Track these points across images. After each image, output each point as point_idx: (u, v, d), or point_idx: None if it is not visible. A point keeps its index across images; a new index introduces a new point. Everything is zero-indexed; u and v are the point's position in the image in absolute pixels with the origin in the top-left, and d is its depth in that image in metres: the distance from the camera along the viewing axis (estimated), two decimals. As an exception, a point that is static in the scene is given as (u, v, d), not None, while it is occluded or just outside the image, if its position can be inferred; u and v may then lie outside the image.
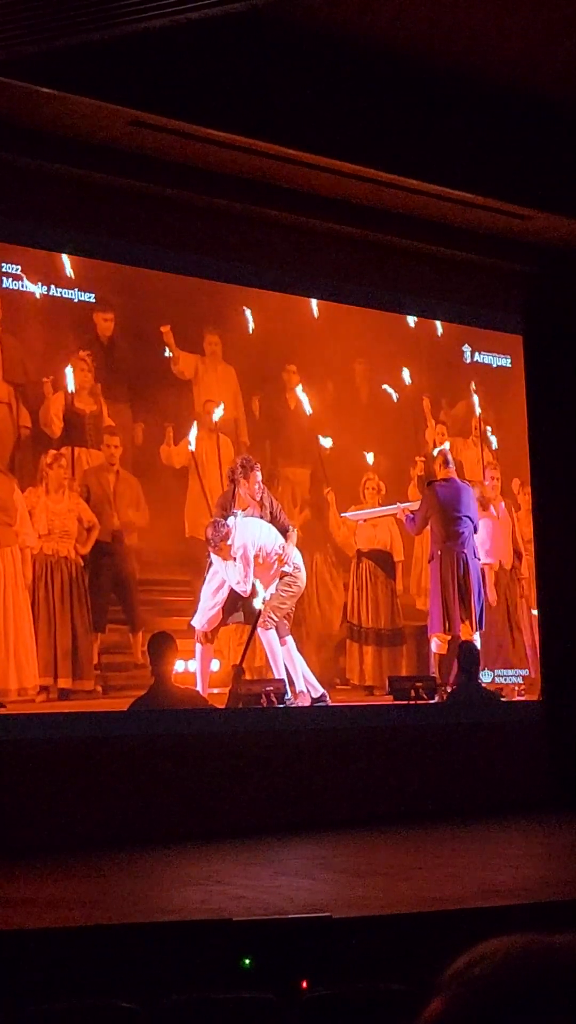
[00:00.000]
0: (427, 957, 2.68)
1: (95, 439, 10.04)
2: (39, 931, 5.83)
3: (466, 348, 12.10)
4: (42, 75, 8.38)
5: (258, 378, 10.94)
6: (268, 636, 10.43)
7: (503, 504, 12.10)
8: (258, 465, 10.47)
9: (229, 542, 10.20)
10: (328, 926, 5.64)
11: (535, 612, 12.08)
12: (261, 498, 10.45)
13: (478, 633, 11.53)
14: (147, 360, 10.38)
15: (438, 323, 11.94)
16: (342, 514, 11.19)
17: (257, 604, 10.37)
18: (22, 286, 9.73)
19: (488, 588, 11.82)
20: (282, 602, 10.48)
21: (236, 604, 10.39)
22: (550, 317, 12.12)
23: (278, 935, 5.51)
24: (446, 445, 11.67)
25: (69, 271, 9.95)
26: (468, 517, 11.49)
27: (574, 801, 10.81)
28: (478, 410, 12.10)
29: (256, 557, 10.33)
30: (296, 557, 10.57)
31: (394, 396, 11.59)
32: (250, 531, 10.31)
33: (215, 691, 10.27)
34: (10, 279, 9.68)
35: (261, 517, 10.43)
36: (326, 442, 11.17)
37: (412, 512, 11.38)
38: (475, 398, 12.10)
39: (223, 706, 10.21)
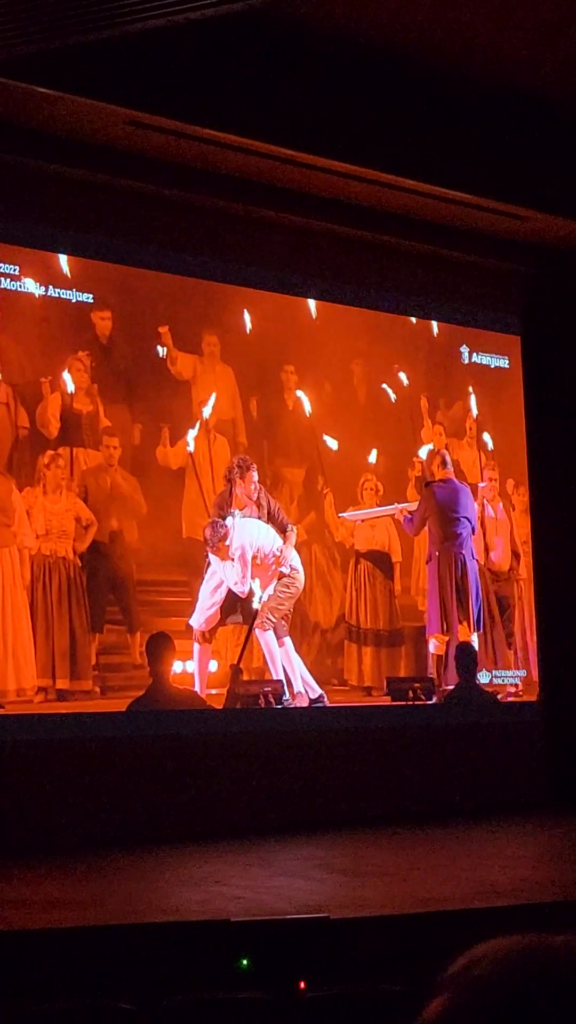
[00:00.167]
0: (425, 958, 2.68)
1: (92, 439, 10.04)
2: (37, 932, 5.83)
3: (464, 349, 12.10)
4: (39, 75, 8.38)
5: (256, 379, 10.94)
6: (266, 637, 10.43)
7: (501, 505, 12.10)
8: (254, 465, 10.47)
9: (227, 542, 10.21)
10: (326, 927, 5.64)
11: (533, 613, 12.08)
12: (258, 498, 10.45)
13: (476, 634, 11.53)
14: (145, 361, 10.38)
15: (436, 324, 11.94)
16: (340, 514, 11.19)
17: (255, 604, 10.37)
18: (20, 286, 9.72)
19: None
20: (280, 603, 10.48)
21: (235, 604, 10.39)
22: (548, 318, 12.13)
23: (276, 936, 5.51)
24: (425, 450, 11.61)
25: (67, 271, 9.95)
26: (466, 518, 11.49)
27: (572, 802, 10.82)
28: (475, 411, 12.10)
29: (254, 558, 10.33)
30: (294, 558, 10.57)
31: (392, 397, 11.59)
32: (248, 531, 10.31)
33: (213, 692, 10.27)
34: (8, 279, 9.67)
35: (259, 517, 10.43)
36: (332, 443, 11.18)
37: (410, 513, 11.37)
38: (471, 400, 12.09)
39: (221, 707, 10.20)
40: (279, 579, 10.48)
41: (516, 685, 11.98)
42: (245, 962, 5.29)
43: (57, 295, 9.90)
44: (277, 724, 10.28)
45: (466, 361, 12.12)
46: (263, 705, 10.22)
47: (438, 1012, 1.18)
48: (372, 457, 11.38)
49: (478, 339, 12.16)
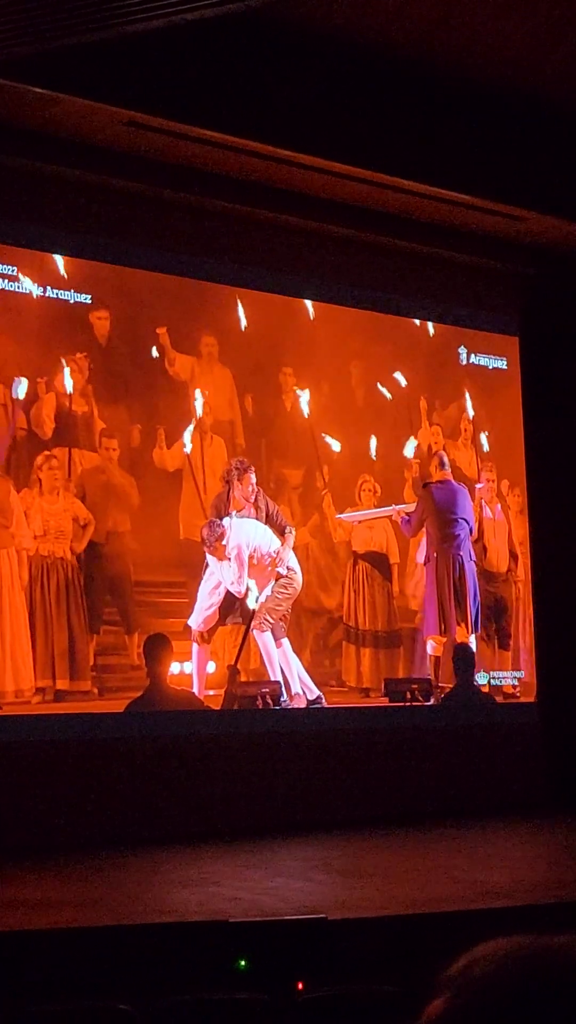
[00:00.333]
0: (423, 959, 2.68)
1: (87, 440, 10.03)
2: (35, 932, 5.83)
3: (462, 350, 12.10)
4: (37, 75, 8.37)
5: (254, 379, 10.94)
6: (264, 638, 10.43)
7: (499, 506, 12.10)
8: (252, 468, 10.46)
9: (224, 542, 10.21)
10: (324, 928, 5.64)
11: (531, 614, 12.09)
12: (256, 500, 10.45)
13: (474, 635, 11.53)
14: (144, 362, 10.37)
15: (434, 325, 11.93)
16: (337, 516, 11.20)
17: (252, 605, 10.37)
18: (18, 287, 9.72)
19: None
20: (278, 604, 10.48)
21: (233, 605, 10.39)
22: (546, 319, 12.13)
23: (274, 936, 5.51)
24: (411, 447, 11.60)
25: (64, 272, 9.94)
26: (464, 519, 11.49)
27: (570, 803, 10.82)
28: (471, 412, 12.10)
29: (251, 558, 10.33)
30: (292, 559, 10.57)
31: (388, 396, 11.59)
32: (245, 532, 10.32)
33: (211, 693, 10.27)
34: (6, 280, 9.67)
35: (257, 519, 10.44)
36: (335, 445, 11.19)
37: (408, 514, 11.37)
38: (467, 401, 12.09)
39: (219, 708, 10.20)
40: (276, 580, 10.48)
41: (514, 686, 11.98)
42: (243, 963, 5.29)
43: (55, 296, 9.90)
44: (275, 725, 10.28)
45: (464, 362, 12.12)
46: (261, 706, 10.22)
47: (438, 1012, 1.18)
48: (372, 451, 11.37)
49: (476, 340, 12.16)
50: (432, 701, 11.20)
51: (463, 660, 11.37)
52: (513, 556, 12.13)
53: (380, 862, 8.43)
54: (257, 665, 10.53)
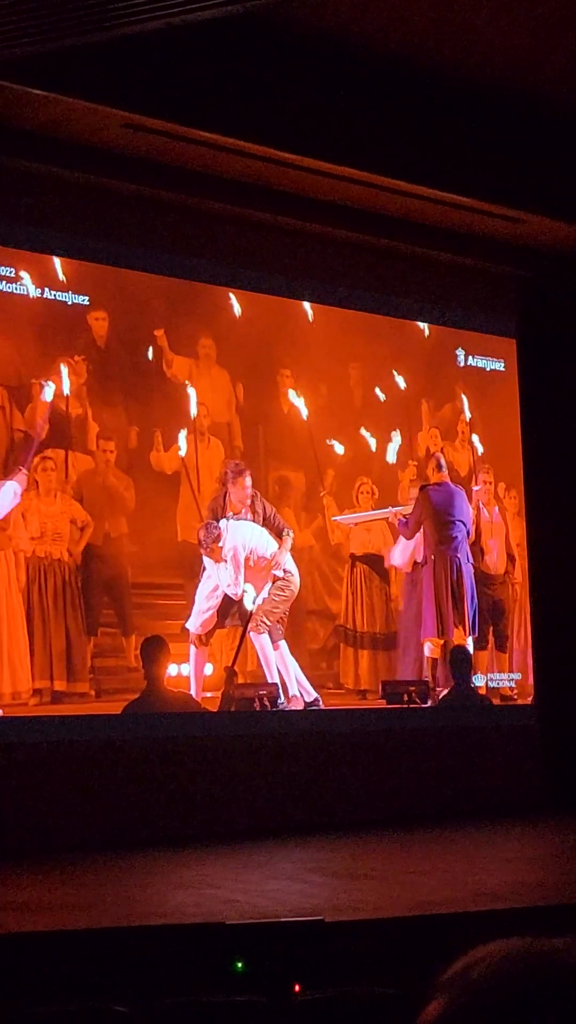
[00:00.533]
0: (420, 961, 2.68)
1: (82, 442, 10.02)
2: (32, 934, 5.82)
3: (460, 352, 12.10)
4: (35, 77, 8.37)
5: (252, 381, 10.93)
6: (261, 641, 10.43)
7: (496, 508, 12.10)
8: (248, 471, 10.45)
9: (220, 544, 10.21)
10: (321, 930, 5.63)
11: (528, 616, 12.09)
12: (252, 502, 10.44)
13: (471, 637, 11.52)
14: (141, 363, 10.37)
15: (432, 327, 11.94)
16: (334, 518, 11.19)
17: (250, 607, 10.37)
18: (16, 288, 9.72)
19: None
20: (275, 606, 10.47)
21: (231, 607, 10.39)
22: (544, 321, 12.13)
23: (271, 938, 5.51)
24: (392, 447, 11.57)
25: (62, 274, 9.93)
26: (461, 521, 11.49)
27: (567, 804, 10.82)
28: (468, 415, 12.09)
29: (247, 560, 10.33)
30: (289, 562, 10.56)
31: (382, 398, 11.58)
32: (241, 534, 10.31)
33: (208, 695, 10.27)
34: (3, 281, 9.67)
35: (254, 521, 10.43)
36: (339, 448, 11.20)
37: (405, 516, 11.37)
38: (464, 402, 12.08)
39: (216, 709, 10.20)
40: (273, 582, 10.47)
41: (511, 688, 11.98)
42: (240, 965, 5.28)
43: (53, 297, 9.90)
44: (272, 727, 10.28)
45: (462, 364, 12.12)
46: (258, 708, 10.22)
47: (436, 1015, 1.18)
48: (360, 452, 11.37)
49: (474, 342, 12.16)
50: (429, 703, 11.20)
51: (460, 662, 11.37)
52: (510, 558, 12.13)
53: (377, 864, 8.43)
54: (254, 667, 10.53)
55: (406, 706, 11.00)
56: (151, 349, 10.38)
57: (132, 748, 9.61)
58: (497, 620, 11.97)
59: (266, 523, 10.48)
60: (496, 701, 11.79)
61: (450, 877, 7.68)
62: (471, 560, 11.57)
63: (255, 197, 10.29)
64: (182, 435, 10.42)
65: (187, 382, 10.54)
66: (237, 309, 10.83)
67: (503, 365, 12.29)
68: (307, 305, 11.21)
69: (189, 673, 10.25)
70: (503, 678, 11.95)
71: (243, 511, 10.38)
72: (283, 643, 10.54)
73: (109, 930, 5.89)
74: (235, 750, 10.01)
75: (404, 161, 10.02)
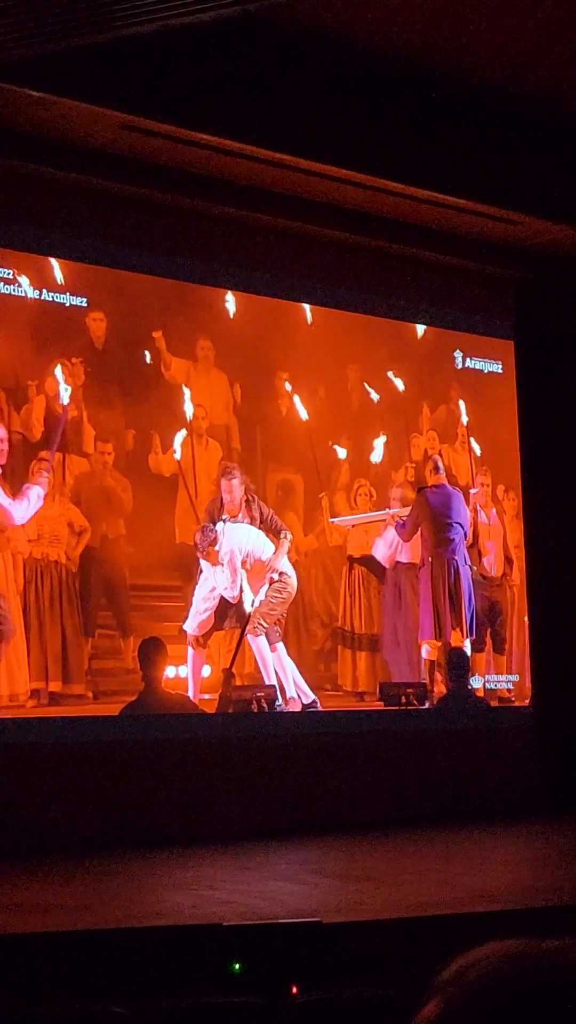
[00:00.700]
0: (418, 962, 2.68)
1: (79, 444, 10.02)
2: (29, 936, 5.82)
3: (457, 354, 12.11)
4: (33, 78, 8.37)
5: (250, 383, 10.94)
6: (258, 643, 10.43)
7: (494, 510, 12.11)
8: (237, 473, 10.40)
9: (217, 547, 10.21)
10: (319, 931, 5.64)
11: (526, 618, 12.09)
12: (249, 504, 10.43)
13: (469, 640, 11.53)
14: (139, 365, 10.37)
15: (429, 328, 11.94)
16: (331, 519, 11.20)
17: (248, 609, 10.37)
18: (13, 290, 9.72)
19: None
20: (272, 608, 10.47)
21: (228, 609, 10.39)
22: (541, 323, 12.13)
23: (269, 940, 5.51)
24: (376, 449, 11.57)
25: (60, 275, 9.94)
26: (459, 523, 11.49)
27: (564, 806, 10.82)
28: (465, 418, 12.10)
29: (243, 563, 10.34)
30: (285, 564, 10.56)
31: (385, 402, 11.59)
32: (237, 536, 10.31)
33: (206, 696, 10.27)
34: (1, 283, 9.67)
35: (251, 523, 10.43)
36: (341, 452, 11.20)
37: (402, 519, 11.37)
38: (461, 404, 12.09)
39: (214, 711, 10.20)
40: (270, 584, 10.47)
41: (509, 690, 11.99)
42: (237, 966, 5.29)
43: (51, 299, 9.90)
44: (270, 729, 10.28)
45: (459, 366, 12.13)
46: (256, 710, 10.22)
47: (432, 1016, 1.19)
48: (358, 454, 11.36)
49: (471, 344, 12.17)
50: (427, 705, 11.20)
51: (458, 664, 11.37)
52: (508, 560, 12.14)
53: (375, 865, 8.43)
54: (252, 669, 10.53)
55: (404, 708, 11.01)
56: (149, 351, 10.38)
57: (130, 749, 9.60)
58: (495, 622, 11.98)
59: (263, 525, 10.47)
60: (494, 703, 11.80)
61: (447, 878, 7.68)
62: (469, 562, 11.57)
63: (253, 199, 10.30)
64: (179, 437, 10.42)
65: (185, 384, 10.54)
66: (235, 311, 10.84)
67: (501, 367, 12.30)
68: (305, 307, 11.21)
69: (187, 675, 10.25)
70: (501, 680, 11.96)
71: (240, 513, 10.38)
72: (280, 645, 10.55)
73: (106, 931, 5.89)
74: (233, 752, 10.01)
75: (402, 163, 10.02)
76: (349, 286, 11.35)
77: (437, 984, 1.22)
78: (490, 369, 12.28)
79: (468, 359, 12.17)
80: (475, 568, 11.74)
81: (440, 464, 11.57)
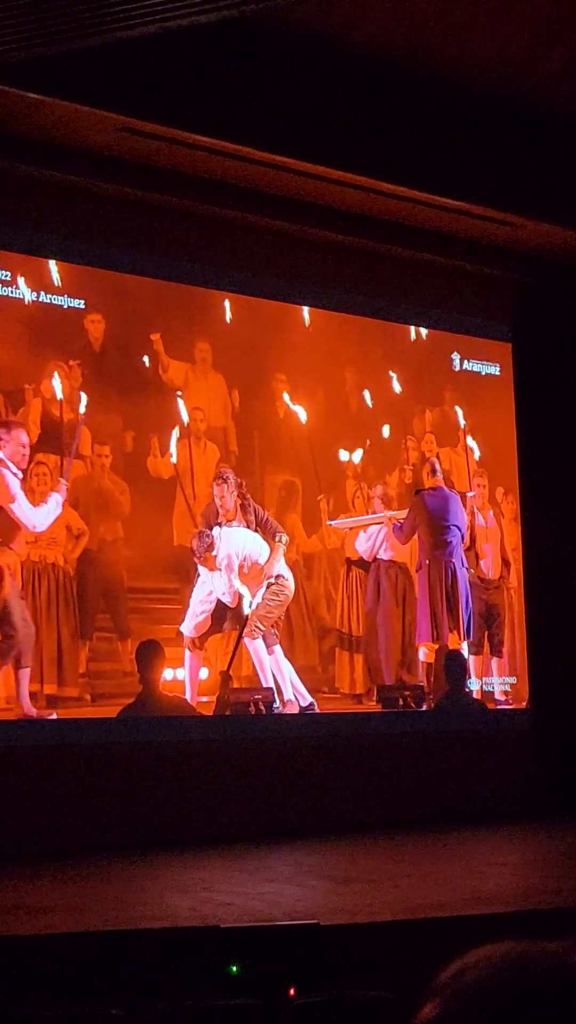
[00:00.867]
0: (415, 964, 2.68)
1: (79, 448, 10.01)
2: (26, 938, 5.82)
3: (455, 356, 12.11)
4: (31, 81, 8.38)
5: (248, 386, 10.93)
6: (255, 646, 10.42)
7: (491, 512, 12.11)
8: (230, 477, 10.38)
9: (214, 552, 10.20)
10: (316, 933, 5.64)
11: (523, 620, 12.09)
12: (243, 507, 10.42)
13: (466, 642, 11.53)
14: (137, 368, 10.36)
15: (428, 330, 11.94)
16: (329, 522, 11.20)
17: (246, 611, 10.37)
18: (11, 292, 9.72)
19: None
20: (269, 611, 10.47)
21: (226, 612, 10.39)
22: (539, 325, 12.14)
23: (266, 942, 5.51)
24: (374, 451, 11.56)
25: (58, 278, 9.93)
26: (456, 526, 11.49)
27: (561, 808, 10.82)
28: (462, 421, 12.10)
29: (241, 567, 10.33)
30: (282, 567, 10.55)
31: (383, 404, 11.59)
32: (234, 541, 10.30)
33: (204, 699, 10.27)
34: (0, 285, 9.67)
35: (247, 526, 10.42)
36: (344, 455, 11.20)
37: (400, 521, 11.37)
38: (458, 408, 12.09)
39: (211, 714, 10.20)
40: (267, 587, 10.47)
41: (506, 692, 11.99)
42: (235, 968, 5.28)
43: (49, 301, 9.89)
44: (267, 731, 10.28)
45: (457, 368, 12.13)
46: (253, 712, 10.22)
47: (430, 1017, 1.19)
48: (356, 456, 11.36)
49: (469, 346, 12.17)
50: (424, 707, 11.20)
51: (455, 667, 11.37)
52: (505, 563, 12.13)
53: (372, 867, 8.42)
54: (250, 672, 10.52)
55: (401, 710, 11.00)
56: (147, 353, 10.38)
57: (127, 752, 9.60)
58: (492, 625, 11.98)
59: (260, 526, 10.46)
60: (491, 705, 11.80)
61: (445, 880, 7.68)
62: (466, 565, 11.57)
63: (252, 201, 10.30)
64: (176, 439, 10.41)
65: (183, 387, 10.54)
66: (232, 313, 10.83)
67: (498, 369, 12.30)
68: (303, 309, 11.21)
69: (184, 677, 10.25)
70: (498, 682, 11.95)
71: (235, 517, 10.37)
72: (278, 648, 10.54)
73: (104, 933, 5.89)
74: (230, 754, 10.01)
75: (400, 165, 10.03)
76: (347, 288, 11.35)
77: (435, 986, 1.22)
78: (488, 371, 12.28)
79: (466, 361, 12.17)
80: (472, 571, 11.74)
81: (437, 466, 11.56)
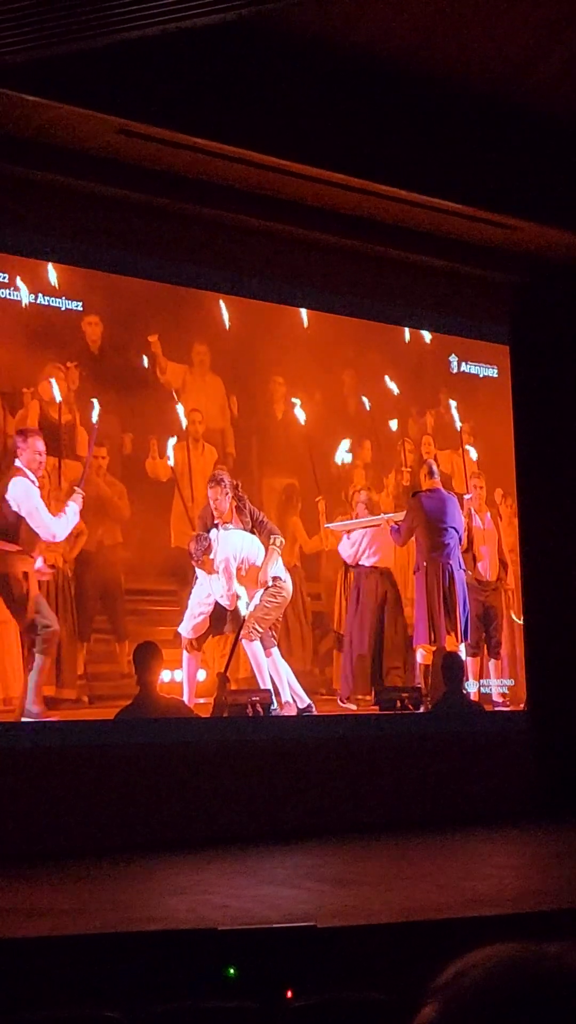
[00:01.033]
0: (413, 967, 2.68)
1: (74, 449, 10.01)
2: (23, 940, 5.81)
3: (453, 358, 12.11)
4: (30, 83, 8.38)
5: (246, 388, 10.93)
6: (253, 647, 10.42)
7: (488, 515, 12.11)
8: (223, 479, 10.37)
9: (211, 556, 10.20)
10: (313, 935, 5.64)
11: (520, 622, 12.09)
12: (239, 509, 10.42)
13: (463, 644, 11.53)
14: (135, 370, 10.36)
15: (425, 333, 11.95)
16: (326, 525, 11.19)
17: (243, 613, 10.37)
18: (9, 294, 9.72)
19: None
20: (266, 613, 10.47)
21: (224, 614, 10.38)
22: (537, 327, 12.14)
23: (263, 944, 5.51)
24: (371, 453, 11.55)
25: (55, 279, 9.93)
26: (453, 528, 11.49)
27: (559, 811, 10.82)
28: (458, 424, 12.09)
29: (239, 569, 10.33)
30: (280, 568, 10.54)
31: (381, 406, 11.59)
32: (231, 544, 10.30)
33: (201, 700, 10.27)
34: (-2, 287, 9.68)
35: (243, 528, 10.42)
36: (347, 457, 11.20)
37: (397, 523, 11.37)
38: (454, 410, 12.09)
39: (209, 715, 10.20)
40: (265, 589, 10.47)
41: (504, 694, 11.99)
42: (232, 971, 5.28)
43: (47, 303, 9.89)
44: (265, 733, 10.27)
45: (454, 370, 12.13)
46: (251, 714, 10.22)
47: (429, 1020, 1.19)
48: (346, 455, 11.35)
49: (467, 348, 12.17)
50: (422, 709, 11.20)
51: (452, 668, 11.38)
52: (503, 565, 12.13)
53: (370, 869, 8.42)
54: (247, 673, 10.52)
55: (399, 712, 11.01)
56: (145, 355, 10.38)
57: (124, 753, 9.60)
58: (489, 626, 11.98)
59: (256, 528, 10.46)
60: (488, 707, 11.80)
61: (442, 882, 7.68)
62: (463, 567, 11.58)
63: (250, 203, 10.30)
64: (174, 442, 10.41)
65: (180, 389, 10.54)
66: (230, 316, 10.83)
67: (496, 371, 12.31)
68: (301, 311, 11.21)
69: (182, 679, 10.24)
70: (495, 684, 11.95)
71: (232, 519, 10.37)
72: (275, 650, 10.54)
73: (101, 935, 5.89)
74: (228, 756, 10.01)
75: (398, 167, 10.03)
76: (345, 291, 11.36)
77: (433, 988, 1.22)
78: (485, 374, 12.28)
79: (463, 363, 12.17)
80: (470, 572, 11.75)
81: (435, 468, 11.57)
